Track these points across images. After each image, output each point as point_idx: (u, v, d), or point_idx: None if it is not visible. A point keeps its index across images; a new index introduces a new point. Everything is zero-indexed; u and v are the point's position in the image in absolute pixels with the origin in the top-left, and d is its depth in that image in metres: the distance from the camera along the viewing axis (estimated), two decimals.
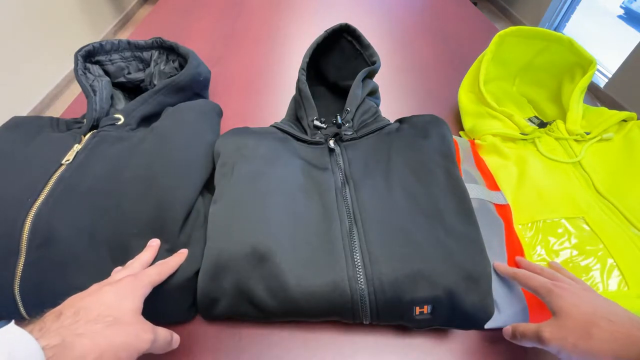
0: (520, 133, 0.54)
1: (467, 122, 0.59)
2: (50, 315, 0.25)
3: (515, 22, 2.58)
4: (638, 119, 0.53)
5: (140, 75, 0.58)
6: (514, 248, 0.42)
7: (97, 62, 0.55)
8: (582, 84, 0.53)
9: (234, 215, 0.38)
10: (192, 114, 0.49)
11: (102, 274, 0.32)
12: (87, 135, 0.45)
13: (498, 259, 0.40)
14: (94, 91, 0.50)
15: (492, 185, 0.48)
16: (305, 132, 0.49)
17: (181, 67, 0.58)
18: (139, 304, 0.29)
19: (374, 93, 0.54)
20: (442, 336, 0.38)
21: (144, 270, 0.33)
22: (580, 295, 0.31)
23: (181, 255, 0.36)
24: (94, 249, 0.36)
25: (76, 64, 0.50)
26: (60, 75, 1.90)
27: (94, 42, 0.54)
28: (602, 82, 1.95)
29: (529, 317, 0.37)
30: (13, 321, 0.22)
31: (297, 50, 0.81)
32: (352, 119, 0.48)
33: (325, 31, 0.54)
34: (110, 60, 0.56)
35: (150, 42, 0.58)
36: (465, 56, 0.79)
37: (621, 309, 0.29)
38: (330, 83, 0.61)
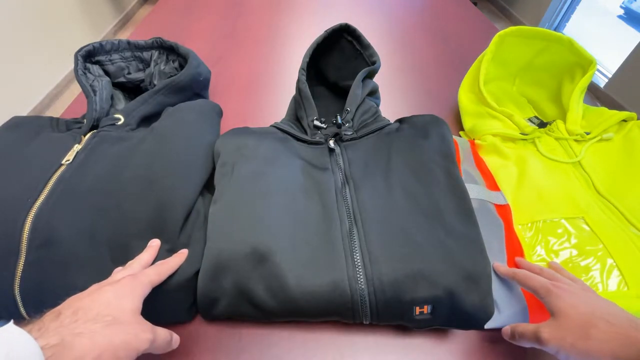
0: (520, 133, 0.54)
1: (467, 122, 0.59)
2: (49, 315, 0.25)
3: (515, 22, 2.58)
4: (638, 119, 0.53)
5: (140, 75, 0.58)
6: (514, 248, 0.42)
7: (97, 62, 0.55)
8: (582, 84, 0.53)
9: (234, 215, 0.38)
10: (192, 114, 0.49)
11: (103, 274, 0.32)
12: (87, 136, 0.45)
13: (498, 260, 0.40)
14: (94, 91, 0.50)
15: (492, 185, 0.48)
16: (305, 132, 0.49)
17: (181, 67, 0.58)
18: (138, 303, 0.29)
19: (374, 93, 0.54)
20: (442, 336, 0.38)
21: (144, 270, 0.33)
22: (579, 295, 0.31)
23: (181, 255, 0.36)
24: (94, 249, 0.36)
25: (76, 64, 0.50)
26: (60, 75, 1.90)
27: (94, 42, 0.54)
28: (602, 82, 1.95)
29: (528, 318, 0.37)
30: (12, 321, 0.22)
31: (297, 50, 0.81)
32: (352, 119, 0.48)
33: (325, 31, 0.54)
34: (110, 60, 0.56)
35: (150, 42, 0.58)
36: (465, 56, 0.79)
37: (620, 310, 0.29)
38: (330, 83, 0.61)
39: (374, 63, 0.52)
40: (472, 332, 0.38)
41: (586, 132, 0.53)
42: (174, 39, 0.58)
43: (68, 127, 0.48)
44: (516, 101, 0.64)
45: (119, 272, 0.33)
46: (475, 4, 1.72)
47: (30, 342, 0.21)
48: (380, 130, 0.48)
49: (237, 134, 0.47)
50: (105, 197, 0.39)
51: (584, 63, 0.54)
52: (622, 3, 2.57)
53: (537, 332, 0.30)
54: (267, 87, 0.71)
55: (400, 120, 0.50)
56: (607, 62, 2.05)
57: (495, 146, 0.53)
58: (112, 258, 0.36)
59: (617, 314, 0.28)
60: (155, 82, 0.58)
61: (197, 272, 0.37)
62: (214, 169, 0.45)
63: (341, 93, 0.59)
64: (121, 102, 0.58)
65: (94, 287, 0.29)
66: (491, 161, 0.52)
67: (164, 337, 0.30)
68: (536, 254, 0.43)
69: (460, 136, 0.59)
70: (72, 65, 0.56)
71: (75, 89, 1.90)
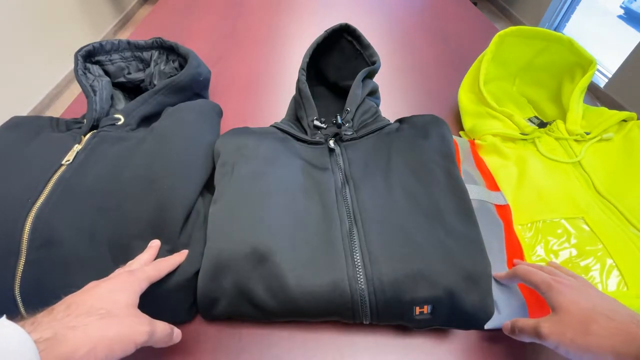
0: (520, 133, 0.54)
1: (467, 122, 0.59)
2: (42, 311, 0.25)
3: (515, 22, 2.58)
4: (638, 119, 0.53)
5: (140, 75, 0.58)
6: (514, 249, 0.42)
7: (97, 62, 0.55)
8: (582, 84, 0.53)
9: (233, 215, 0.39)
10: (192, 114, 0.49)
11: (103, 275, 0.32)
12: (87, 136, 0.45)
13: (497, 260, 0.40)
14: (94, 91, 0.50)
15: (492, 185, 0.48)
16: (305, 132, 0.49)
17: (181, 67, 0.58)
18: (133, 298, 0.29)
19: (374, 93, 0.54)
20: (442, 336, 0.38)
21: (142, 267, 0.33)
22: (579, 291, 0.31)
23: (181, 255, 0.36)
24: (94, 250, 0.36)
25: (76, 64, 0.50)
26: (60, 75, 1.90)
27: (94, 42, 0.54)
28: (602, 82, 1.95)
29: (528, 316, 0.37)
30: (4, 316, 0.22)
31: (297, 50, 0.81)
32: (352, 119, 0.48)
33: (325, 31, 0.54)
34: (110, 60, 0.56)
35: (150, 42, 0.58)
36: (465, 56, 0.79)
37: (621, 306, 0.29)
38: (330, 83, 0.61)
39: (374, 63, 0.52)
40: (472, 332, 0.38)
41: (586, 132, 0.53)
42: (174, 39, 0.58)
43: (68, 127, 0.48)
44: (516, 101, 0.64)
45: (118, 272, 0.32)
46: (475, 4, 1.72)
47: (24, 335, 0.21)
48: (380, 130, 0.48)
49: (237, 134, 0.47)
50: (105, 197, 0.39)
51: (584, 63, 0.54)
52: (622, 3, 2.57)
53: (537, 326, 0.30)
54: (267, 87, 0.71)
55: (400, 120, 0.50)
56: (607, 62, 2.05)
57: (495, 146, 0.53)
58: (113, 258, 0.36)
59: (618, 310, 0.28)
60: (155, 82, 0.58)
61: (197, 272, 0.37)
62: (214, 169, 0.45)
63: (341, 93, 0.59)
64: (121, 102, 0.58)
65: (90, 285, 0.29)
66: (491, 161, 0.52)
67: (164, 330, 0.30)
68: (536, 254, 0.43)
69: (460, 136, 0.59)
70: (72, 65, 0.56)
71: (75, 89, 1.90)
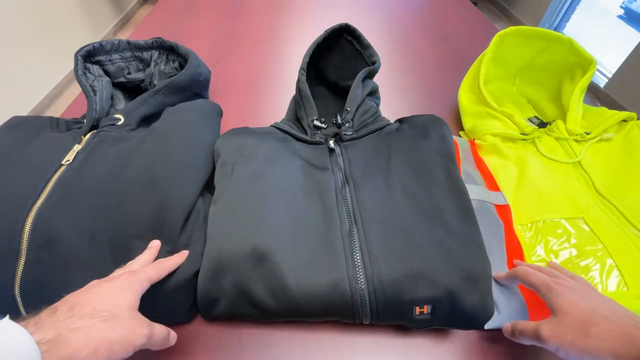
0: (520, 133, 0.54)
1: (467, 122, 0.59)
2: (45, 311, 0.25)
3: (515, 22, 2.58)
4: (638, 119, 0.53)
5: (140, 75, 0.58)
6: (514, 249, 0.42)
7: (97, 62, 0.55)
8: (582, 84, 0.53)
9: (234, 215, 0.39)
10: (192, 114, 0.49)
11: (103, 275, 0.32)
12: (87, 136, 0.45)
13: (497, 261, 0.40)
14: (94, 91, 0.50)
15: (492, 185, 0.48)
16: (305, 132, 0.49)
17: (181, 67, 0.58)
18: (135, 299, 0.29)
19: (374, 93, 0.54)
20: (442, 336, 0.38)
21: (143, 268, 0.33)
22: (580, 293, 0.31)
23: (181, 255, 0.36)
24: (94, 250, 0.36)
25: (76, 64, 0.50)
26: (60, 75, 1.90)
27: (94, 42, 0.54)
28: (602, 82, 1.95)
29: (528, 316, 0.37)
30: (7, 316, 0.22)
31: (297, 50, 0.81)
32: (352, 119, 0.48)
33: (325, 31, 0.54)
34: (110, 60, 0.56)
35: (150, 42, 0.58)
36: (465, 56, 0.79)
37: (621, 308, 0.29)
38: (330, 83, 0.61)
39: (374, 63, 0.52)
40: (472, 332, 0.38)
41: (586, 132, 0.53)
42: (174, 39, 0.58)
43: (68, 127, 0.48)
44: (516, 101, 0.64)
45: (118, 272, 0.33)
46: (475, 4, 1.72)
47: (26, 336, 0.21)
48: (380, 130, 0.48)
49: (237, 134, 0.47)
50: (105, 197, 0.39)
51: (584, 63, 0.54)
52: (622, 3, 2.57)
53: (537, 329, 0.30)
54: (267, 87, 0.71)
55: (400, 120, 0.50)
56: (607, 62, 2.05)
57: (495, 146, 0.53)
58: (113, 258, 0.36)
59: (617, 312, 0.28)
60: (155, 82, 0.58)
61: (197, 272, 0.37)
62: (214, 169, 0.45)
63: (341, 93, 0.59)
64: (121, 102, 0.58)
65: (92, 284, 0.29)
66: (491, 161, 0.52)
67: (161, 332, 0.30)
68: (536, 255, 0.43)
69: (460, 136, 0.59)
70: (72, 65, 0.56)
71: (75, 89, 1.90)
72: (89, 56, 0.54)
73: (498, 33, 0.58)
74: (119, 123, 0.46)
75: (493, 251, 0.40)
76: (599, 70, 2.06)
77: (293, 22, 0.93)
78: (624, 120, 0.53)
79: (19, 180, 0.39)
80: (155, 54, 0.59)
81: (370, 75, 0.53)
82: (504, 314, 0.37)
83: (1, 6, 1.52)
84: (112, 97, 0.54)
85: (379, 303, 0.34)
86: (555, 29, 2.32)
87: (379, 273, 0.34)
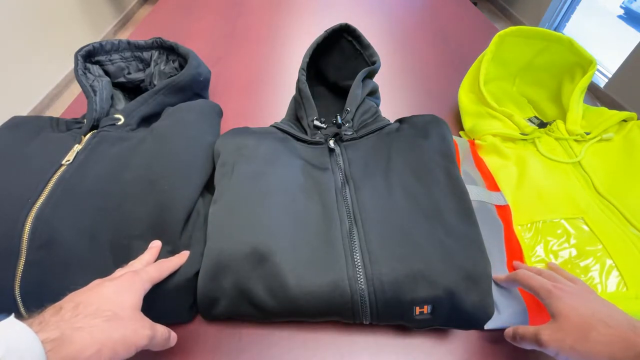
0: (520, 133, 0.54)
1: (467, 122, 0.59)
2: (50, 309, 0.25)
3: (515, 22, 2.58)
4: (638, 119, 0.53)
5: (140, 75, 0.58)
6: (514, 249, 0.42)
7: (97, 62, 0.55)
8: (582, 84, 0.53)
9: (234, 215, 0.39)
10: (192, 114, 0.49)
11: (103, 275, 0.32)
12: (87, 136, 0.45)
13: (497, 261, 0.40)
14: (94, 91, 0.50)
15: (492, 185, 0.48)
16: (305, 132, 0.49)
17: (181, 67, 0.58)
18: (138, 299, 0.29)
19: (374, 93, 0.54)
20: (442, 336, 0.38)
21: (144, 267, 0.33)
22: (579, 297, 0.31)
23: (182, 256, 0.37)
24: (95, 250, 0.36)
25: (76, 64, 0.50)
26: (60, 75, 1.90)
27: (94, 42, 0.54)
28: (602, 82, 1.95)
29: (528, 318, 0.37)
30: (13, 315, 0.22)
31: (297, 50, 0.81)
32: (352, 119, 0.48)
33: (325, 31, 0.54)
34: (110, 60, 0.56)
35: (150, 42, 0.58)
36: (465, 56, 0.79)
37: (620, 312, 0.29)
38: (330, 83, 0.61)
39: (374, 63, 0.52)
40: (472, 332, 0.38)
41: (586, 132, 0.53)
42: (174, 39, 0.58)
43: (68, 127, 0.48)
44: (516, 101, 0.64)
45: (119, 271, 0.33)
46: (475, 4, 1.72)
47: (31, 335, 0.21)
48: (380, 130, 0.48)
49: (237, 134, 0.47)
50: (105, 197, 0.39)
51: (584, 63, 0.54)
52: (622, 3, 2.57)
53: (537, 334, 0.30)
54: (267, 87, 0.71)
55: (400, 120, 0.50)
56: (607, 62, 2.05)
57: (495, 146, 0.53)
58: (113, 259, 0.36)
59: (616, 317, 0.28)
60: (155, 82, 0.58)
61: (197, 273, 0.37)
62: (214, 169, 0.45)
63: (341, 93, 0.59)
64: (121, 102, 0.58)
65: (95, 283, 0.30)
66: (491, 161, 0.52)
67: (163, 333, 0.31)
68: (535, 255, 0.43)
69: (460, 136, 0.59)
70: (72, 65, 0.56)
71: (75, 89, 1.90)
72: (89, 56, 0.54)
73: (498, 33, 0.58)
74: (119, 123, 0.46)
75: (493, 251, 0.40)
76: (599, 70, 2.06)
77: (293, 22, 0.93)
78: (624, 120, 0.53)
79: (19, 180, 0.39)
80: (155, 54, 0.59)
81: (370, 75, 0.53)
82: (504, 314, 0.37)
83: (1, 6, 1.52)
84: (112, 97, 0.54)
85: (379, 303, 0.34)
86: (555, 29, 2.32)
87: (379, 273, 0.34)
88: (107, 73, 0.56)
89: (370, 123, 0.49)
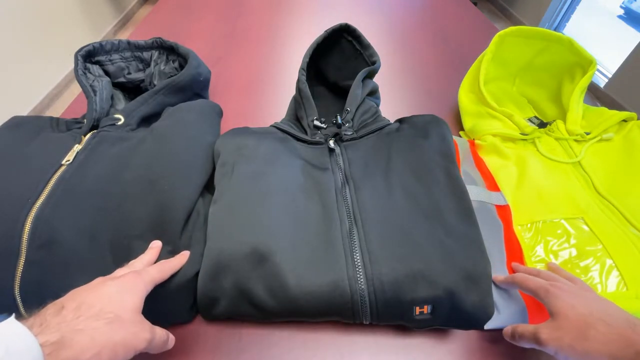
0: (520, 133, 0.54)
1: (467, 122, 0.59)
2: (51, 308, 0.25)
3: (515, 22, 2.58)
4: (638, 119, 0.53)
5: (140, 75, 0.58)
6: (514, 250, 0.42)
7: (97, 62, 0.55)
8: (582, 84, 0.53)
9: (234, 215, 0.39)
10: (192, 115, 0.49)
11: (103, 275, 0.32)
12: (87, 136, 0.45)
13: (497, 261, 0.40)
14: (94, 91, 0.50)
15: (492, 185, 0.48)
16: (305, 132, 0.49)
17: (181, 67, 0.58)
18: (140, 301, 0.29)
19: (374, 93, 0.54)
20: (442, 336, 0.38)
21: (146, 268, 0.33)
22: (577, 295, 0.31)
23: (183, 256, 0.36)
24: (95, 250, 0.36)
25: (76, 64, 0.50)
26: (60, 75, 1.90)
27: (94, 42, 0.54)
28: (602, 82, 1.95)
29: (528, 318, 0.37)
30: (13, 315, 0.22)
31: (297, 50, 0.81)
32: (352, 119, 0.48)
33: (325, 31, 0.54)
34: (110, 61, 0.56)
35: (150, 42, 0.58)
36: (465, 56, 0.79)
37: (618, 310, 0.29)
38: (330, 83, 0.61)
39: (374, 63, 0.52)
40: (472, 332, 0.38)
41: (586, 132, 0.53)
42: (174, 39, 0.58)
43: (68, 127, 0.47)
44: (516, 101, 0.64)
45: (120, 271, 0.33)
46: (475, 4, 1.72)
47: (30, 338, 0.21)
48: (380, 130, 0.48)
49: (237, 134, 0.47)
50: (105, 197, 0.39)
51: (584, 63, 0.54)
52: (622, 3, 2.57)
53: (536, 332, 0.30)
54: (267, 87, 0.71)
55: (400, 120, 0.50)
56: (607, 62, 2.05)
57: (495, 146, 0.53)
58: (113, 259, 0.36)
59: (615, 315, 0.28)
60: (155, 82, 0.58)
61: (198, 273, 0.37)
62: (214, 169, 0.45)
63: (341, 93, 0.59)
64: (121, 102, 0.58)
65: (97, 281, 0.29)
66: (491, 161, 0.52)
67: (161, 336, 0.31)
68: (535, 255, 0.43)
69: (460, 136, 0.59)
70: (72, 65, 0.56)
71: (75, 89, 1.90)
72: (89, 56, 0.54)
73: (498, 33, 0.58)
74: (119, 123, 0.46)
75: (493, 252, 0.40)
76: (599, 70, 2.06)
77: (293, 22, 0.93)
78: (624, 120, 0.53)
79: (19, 180, 0.39)
80: (155, 54, 0.59)
81: (370, 75, 0.53)
82: (504, 314, 0.37)
83: (1, 6, 1.52)
84: (112, 97, 0.54)
85: (379, 303, 0.34)
86: (555, 29, 2.32)
87: (379, 273, 0.34)
88: (107, 73, 0.56)
89: (370, 123, 0.49)
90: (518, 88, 0.65)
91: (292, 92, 0.56)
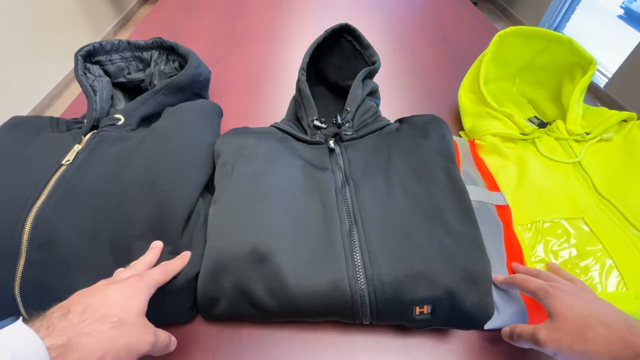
0: (520, 133, 0.54)
1: (467, 122, 0.59)
2: (57, 311, 0.25)
3: (515, 22, 2.58)
4: (638, 119, 0.53)
5: (140, 75, 0.58)
6: (513, 250, 0.42)
7: (97, 62, 0.55)
8: (582, 84, 0.53)
9: (234, 215, 0.39)
10: (192, 115, 0.49)
11: (104, 275, 0.32)
12: (88, 136, 0.45)
13: (497, 261, 0.40)
14: (94, 91, 0.50)
15: (492, 185, 0.48)
16: (305, 132, 0.49)
17: (181, 67, 0.58)
18: (143, 304, 0.30)
19: (374, 93, 0.54)
20: (442, 336, 0.38)
21: (149, 270, 0.33)
22: (576, 296, 0.31)
23: (184, 257, 0.36)
24: (95, 250, 0.36)
25: (76, 64, 0.50)
26: (60, 75, 1.90)
27: (94, 42, 0.54)
28: (602, 82, 1.95)
29: (528, 318, 0.37)
30: (20, 319, 0.22)
31: (297, 50, 0.81)
32: (352, 119, 0.48)
33: (325, 31, 0.54)
34: (110, 61, 0.56)
35: (150, 42, 0.58)
36: (465, 56, 0.79)
37: (617, 312, 0.29)
38: (330, 83, 0.61)
39: (374, 63, 0.52)
40: (472, 332, 0.38)
41: (586, 132, 0.53)
42: (174, 39, 0.58)
43: (68, 127, 0.47)
44: (516, 101, 0.64)
45: (122, 272, 0.33)
46: (475, 4, 1.72)
47: (37, 342, 0.21)
48: (380, 130, 0.48)
49: (237, 134, 0.47)
50: (106, 197, 0.39)
51: (584, 63, 0.54)
52: (622, 3, 2.57)
53: (534, 333, 0.30)
54: (267, 87, 0.71)
55: (400, 120, 0.50)
56: (607, 62, 2.05)
57: (495, 146, 0.53)
58: (114, 259, 0.36)
59: (613, 316, 0.28)
60: (155, 82, 0.58)
61: (198, 273, 0.37)
62: (214, 169, 0.45)
63: (341, 93, 0.59)
64: (121, 102, 0.58)
65: (101, 284, 0.30)
66: (491, 161, 0.52)
67: (164, 339, 0.31)
68: (535, 255, 0.43)
69: (460, 136, 0.59)
70: (72, 65, 0.56)
71: (75, 89, 1.90)
72: (89, 56, 0.54)
73: (498, 33, 0.58)
74: (119, 123, 0.46)
75: (493, 252, 0.40)
76: (599, 70, 2.06)
77: (293, 22, 0.93)
78: (624, 121, 0.53)
79: (19, 180, 0.39)
80: (155, 54, 0.59)
81: (370, 75, 0.53)
82: (504, 315, 0.37)
83: (1, 6, 1.52)
84: (112, 97, 0.54)
85: (379, 303, 0.34)
86: (555, 29, 2.32)
87: (379, 273, 0.34)
88: (107, 73, 0.56)
89: (370, 123, 0.49)
90: (518, 88, 0.65)
91: (292, 92, 0.56)
